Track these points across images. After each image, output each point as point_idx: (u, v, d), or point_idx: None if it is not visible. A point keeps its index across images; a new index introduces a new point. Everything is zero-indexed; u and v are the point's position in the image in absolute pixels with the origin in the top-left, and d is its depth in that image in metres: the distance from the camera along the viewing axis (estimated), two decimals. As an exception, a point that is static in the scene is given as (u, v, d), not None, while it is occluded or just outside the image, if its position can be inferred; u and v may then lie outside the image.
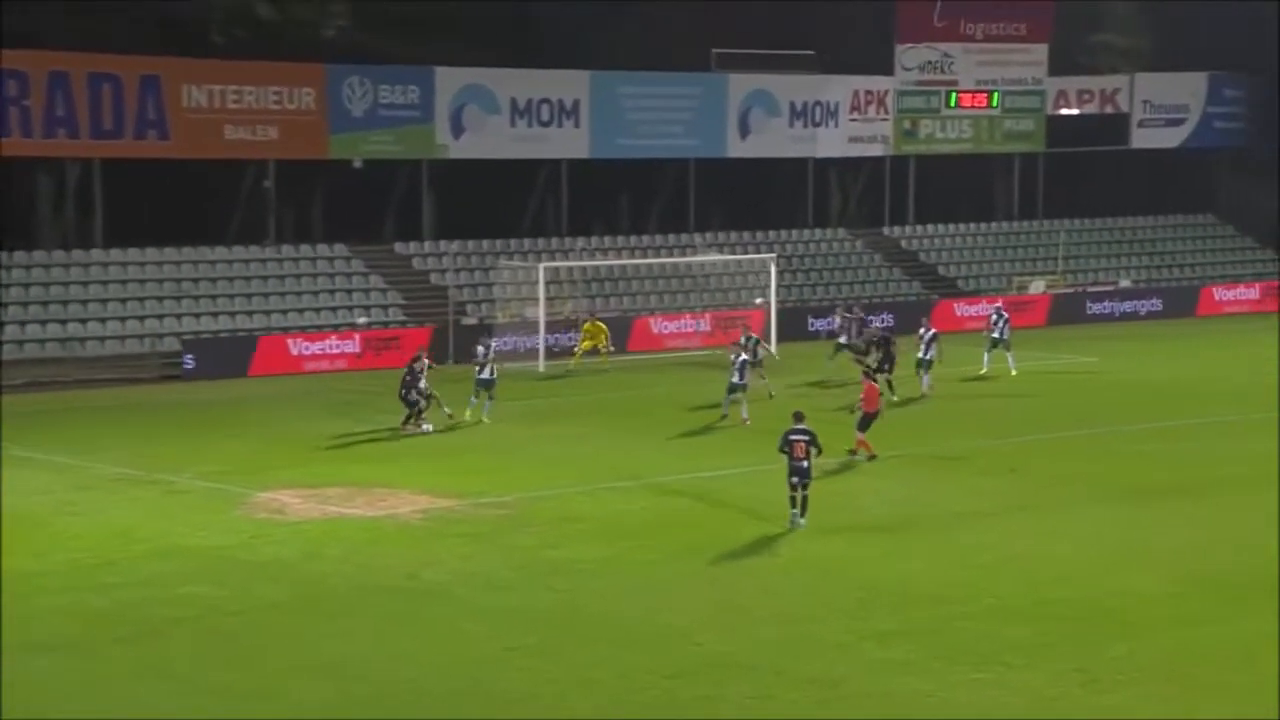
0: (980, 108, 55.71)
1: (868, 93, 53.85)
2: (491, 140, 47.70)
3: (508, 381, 39.24)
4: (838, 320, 39.31)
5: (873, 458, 27.70)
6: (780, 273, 47.04)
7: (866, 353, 35.91)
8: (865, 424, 27.96)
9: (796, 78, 52.41)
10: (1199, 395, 35.21)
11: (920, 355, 35.39)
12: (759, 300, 45.83)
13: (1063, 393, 36.25)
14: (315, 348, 40.90)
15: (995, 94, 55.83)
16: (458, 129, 47.26)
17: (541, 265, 43.23)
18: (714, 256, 48.69)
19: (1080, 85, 57.40)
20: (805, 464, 23.23)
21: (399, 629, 18.58)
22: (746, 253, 49.91)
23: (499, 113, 47.84)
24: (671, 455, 29.11)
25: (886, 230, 54.71)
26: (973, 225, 55.97)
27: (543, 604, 19.57)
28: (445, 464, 28.47)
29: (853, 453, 27.91)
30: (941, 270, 53.52)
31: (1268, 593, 19.51)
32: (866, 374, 29.34)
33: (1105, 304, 51.92)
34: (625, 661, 17.43)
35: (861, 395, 28.33)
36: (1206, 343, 45.61)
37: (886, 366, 34.18)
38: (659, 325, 45.21)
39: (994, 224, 56.73)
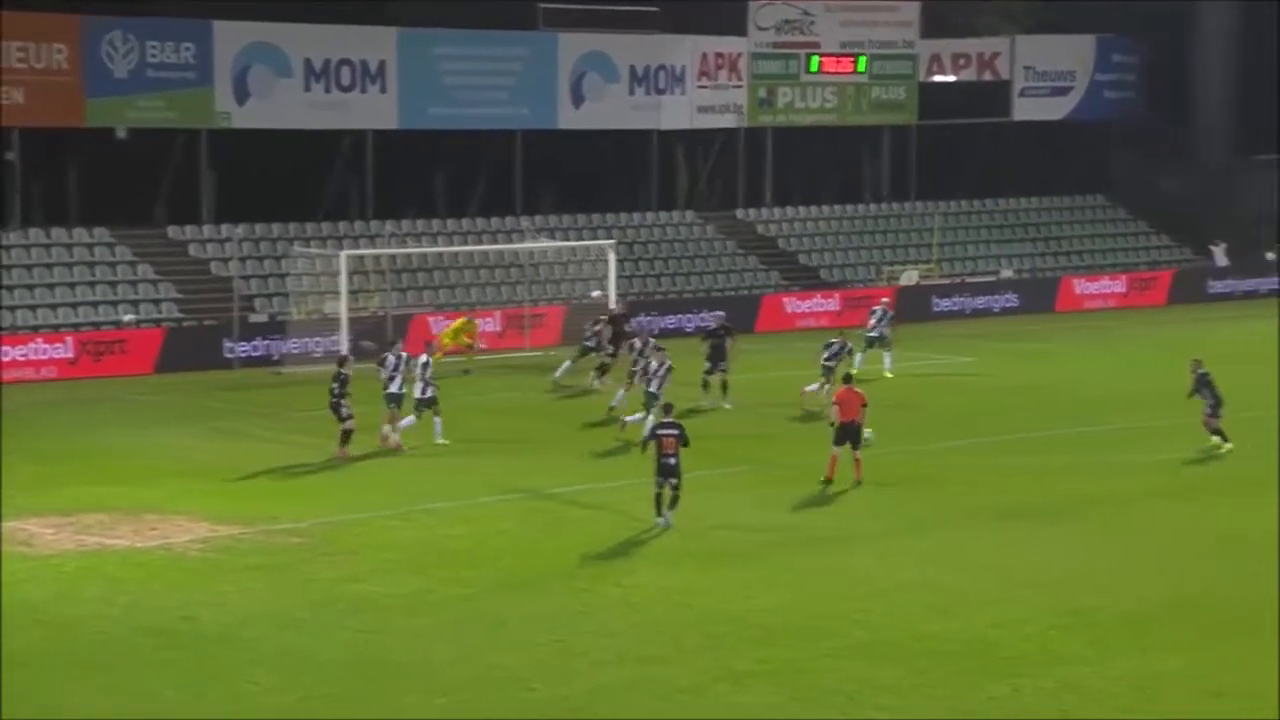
0: (845, 74, 56.42)
1: (718, 55, 54.17)
2: (282, 107, 46.96)
3: (300, 389, 38.73)
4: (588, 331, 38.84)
5: (858, 484, 27.08)
6: (620, 261, 47.05)
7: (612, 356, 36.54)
8: (847, 437, 27.13)
9: (637, 38, 52.52)
10: (1082, 401, 35.99)
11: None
12: (596, 293, 45.75)
13: (941, 398, 36.81)
14: (18, 353, 39.14)
15: (862, 58, 56.58)
16: (242, 94, 46.43)
17: (343, 253, 42.65)
18: (544, 243, 48.55)
19: (956, 49, 58.48)
20: (673, 460, 24.09)
21: (172, 681, 18.10)
22: (581, 239, 49.85)
23: (291, 75, 47.12)
24: (496, 471, 28.89)
25: (740, 213, 55.11)
26: (837, 208, 56.68)
27: (344, 647, 19.23)
28: (228, 485, 27.91)
29: (826, 483, 27.06)
30: (803, 259, 54.08)
31: (1159, 626, 19.96)
32: (844, 378, 28.85)
33: (955, 300, 52.19)
34: (442, 712, 17.18)
35: (835, 401, 27.68)
36: (1086, 341, 46.66)
37: (722, 366, 34.71)
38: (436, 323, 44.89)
39: (861, 206, 57.52)
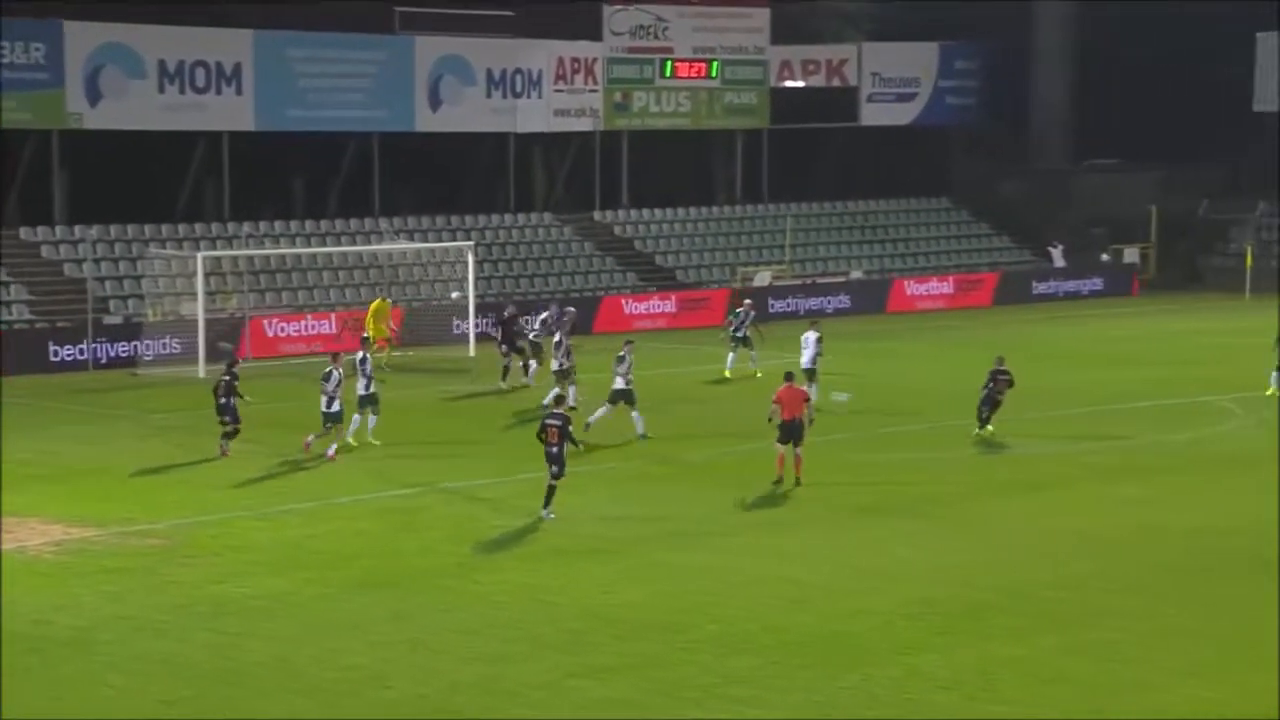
0: (698, 78, 56.69)
1: (574, 60, 54.15)
2: (136, 109, 46.11)
3: (157, 390, 38.05)
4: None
5: (798, 482, 26.75)
6: (479, 263, 46.82)
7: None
8: (790, 435, 26.65)
9: (493, 41, 52.31)
10: (929, 397, 36.48)
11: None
12: (455, 294, 45.54)
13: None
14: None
15: (715, 63, 56.89)
16: (94, 95, 45.52)
17: (200, 254, 41.99)
18: (403, 244, 48.17)
19: (805, 55, 59.02)
20: (556, 450, 24.51)
21: (25, 687, 17.65)
22: (440, 240, 49.55)
23: (144, 77, 46.28)
24: (357, 472, 28.60)
25: (598, 215, 55.14)
26: (693, 210, 56.92)
27: (203, 650, 18.89)
28: (83, 487, 27.36)
29: (778, 483, 26.70)
30: (659, 260, 54.23)
31: (1001, 616, 20.27)
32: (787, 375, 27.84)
33: (791, 301, 52.41)
34: (302, 713, 16.96)
35: (776, 400, 26.93)
36: (919, 341, 47.30)
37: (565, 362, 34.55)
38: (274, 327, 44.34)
39: (715, 208, 57.83)
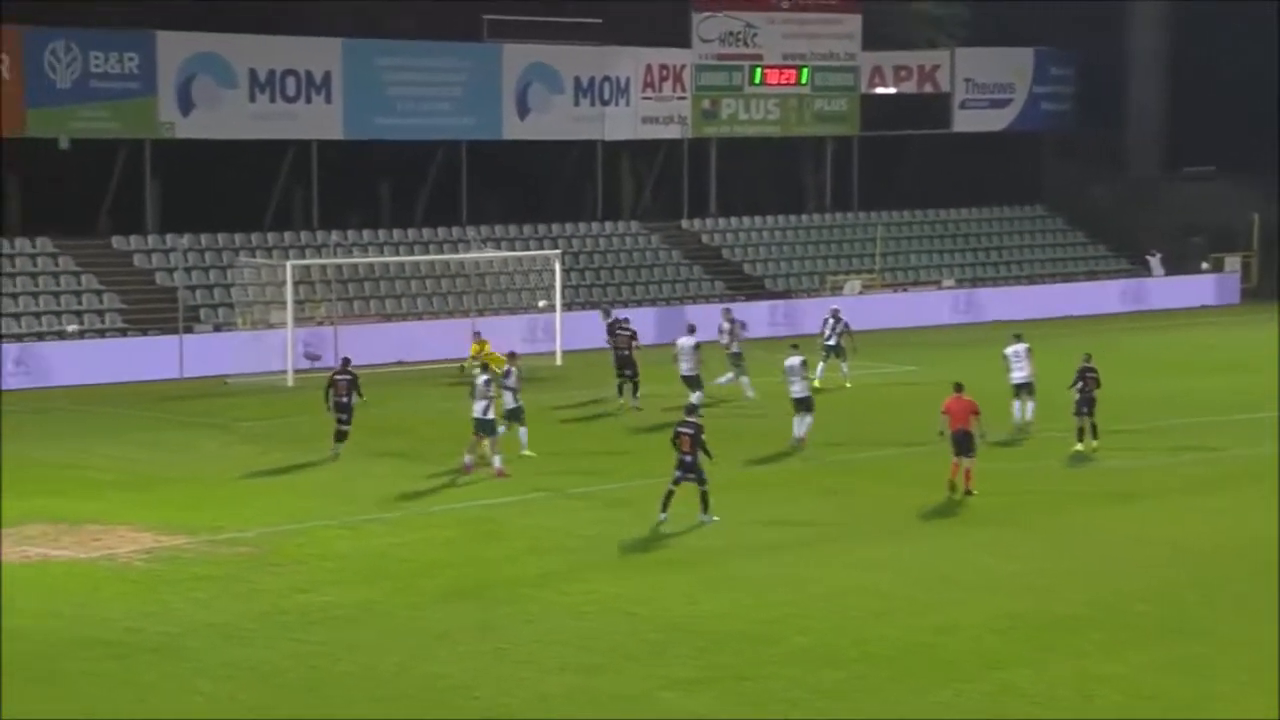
0: (788, 85, 56.66)
1: (662, 67, 54.31)
2: (227, 118, 46.76)
3: (246, 399, 38.58)
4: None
5: (969, 493, 26.88)
6: (566, 271, 47.08)
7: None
8: (962, 446, 26.89)
9: (581, 49, 52.58)
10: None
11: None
12: (542, 303, 45.81)
13: (884, 405, 36.98)
14: None
15: (804, 70, 56.84)
16: (186, 104, 46.22)
17: (289, 263, 42.51)
18: (490, 253, 48.51)
19: (897, 61, 58.83)
20: (689, 458, 24.86)
21: (116, 693, 17.99)
22: (527, 249, 49.84)
23: (235, 86, 46.93)
24: (442, 482, 28.84)
25: (685, 223, 55.23)
26: (781, 218, 56.89)
27: (290, 658, 19.16)
28: (172, 494, 27.79)
29: (968, 493, 26.92)
30: (747, 269, 54.25)
31: (1096, 630, 20.15)
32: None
33: (894, 308, 52.77)
34: (387, 722, 17.19)
35: (944, 410, 27.26)
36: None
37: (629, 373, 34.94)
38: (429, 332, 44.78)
39: (804, 216, 57.74)
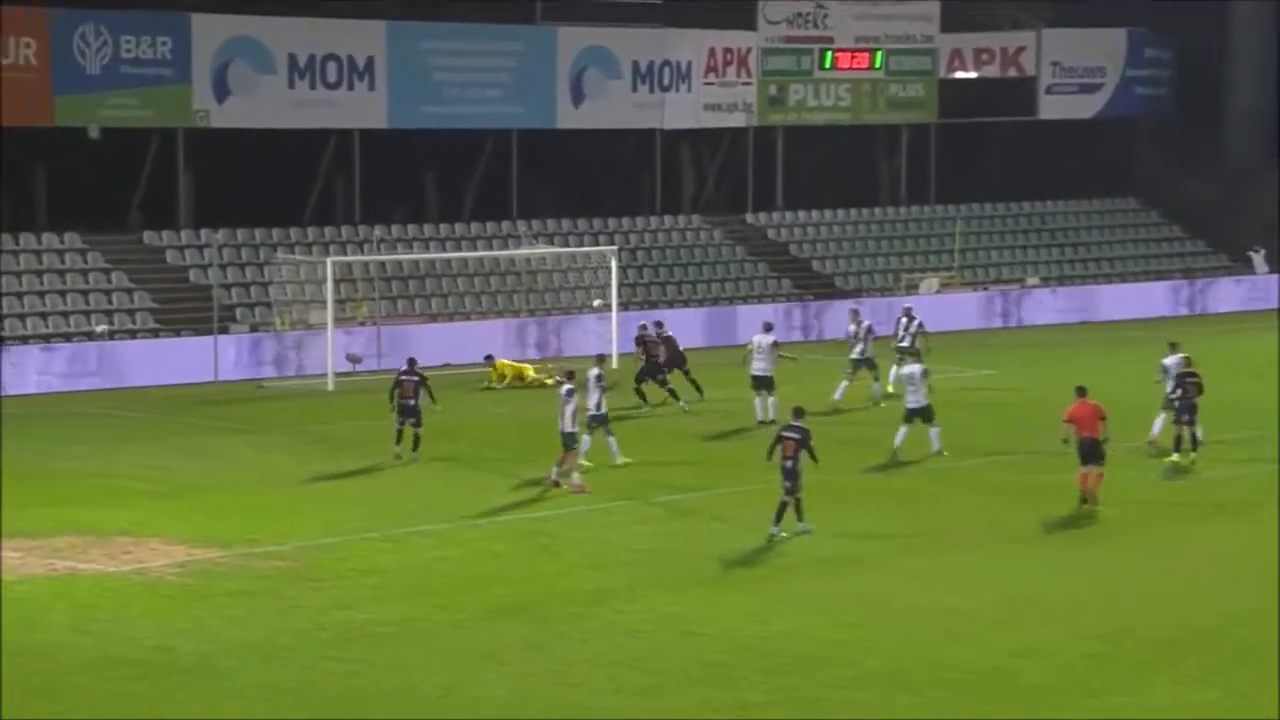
0: (861, 70, 56.54)
1: (726, 51, 54.29)
2: (265, 106, 47.07)
3: (284, 403, 38.82)
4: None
5: (1084, 502, 27.05)
6: (622, 269, 47.13)
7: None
8: (1090, 454, 27.11)
9: (640, 32, 52.64)
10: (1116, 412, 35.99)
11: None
12: (597, 302, 45.90)
13: (961, 412, 36.77)
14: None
15: (878, 53, 56.69)
16: (222, 91, 46.55)
17: (330, 260, 42.75)
18: (542, 249, 48.63)
19: (979, 44, 58.59)
20: (790, 464, 25.19)
21: (146, 715, 18.11)
22: (581, 244, 49.92)
23: (274, 72, 47.23)
24: (490, 492, 28.94)
25: (750, 217, 55.20)
26: (853, 212, 56.75)
27: (329, 678, 19.26)
28: (205, 504, 27.98)
29: (1084, 501, 27.01)
30: (816, 266, 54.15)
31: (1193, 655, 19.99)
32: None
33: (977, 308, 52.49)
34: (432, 747, 17.27)
35: (1069, 418, 27.39)
36: (1098, 352, 46.60)
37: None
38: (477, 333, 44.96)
39: (878, 210, 57.59)
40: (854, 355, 37.73)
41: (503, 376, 40.40)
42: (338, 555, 24.66)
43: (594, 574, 23.63)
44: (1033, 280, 55.71)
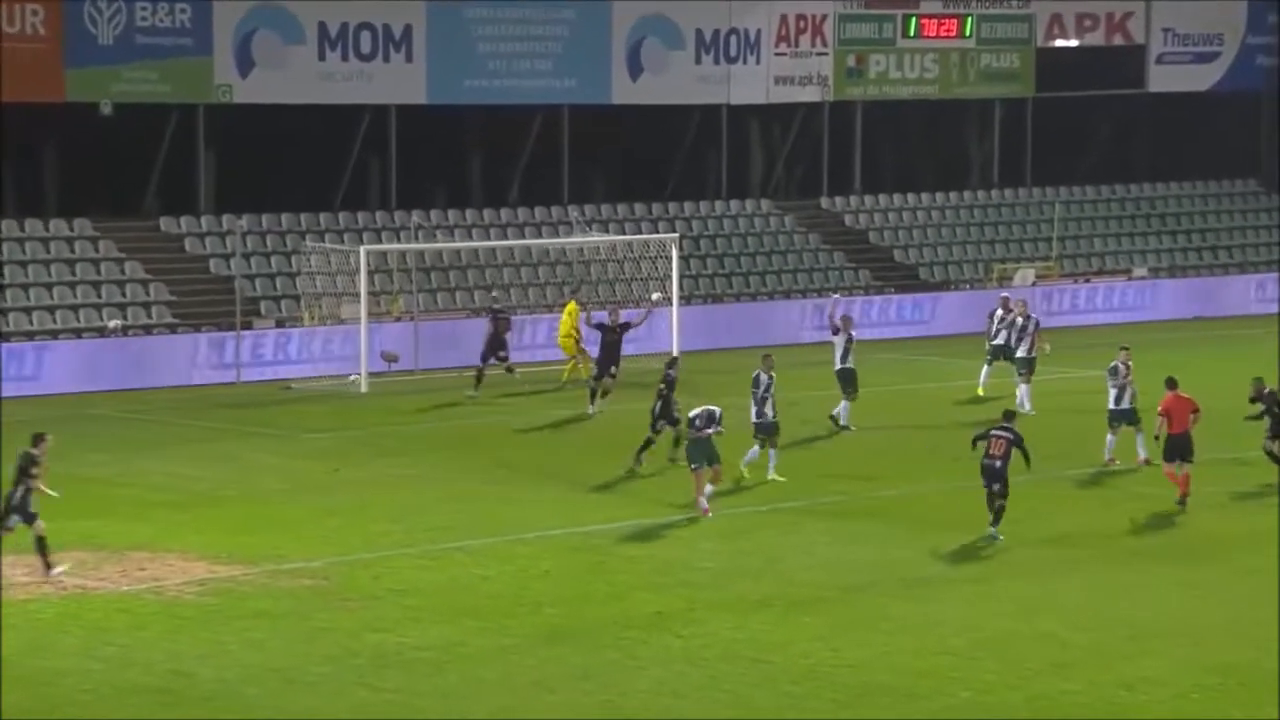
0: (949, 38, 56.42)
1: (799, 18, 54.28)
2: (292, 80, 47.35)
3: (312, 405, 39.08)
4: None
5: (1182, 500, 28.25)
6: (685, 258, 47.19)
7: None
8: (1178, 452, 28.33)
9: (704, -2, 52.73)
10: (1210, 420, 35.78)
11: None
12: (656, 295, 45.90)
13: (1066, 417, 36.64)
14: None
15: (969, 20, 56.56)
16: (245, 64, 46.86)
17: (363, 249, 42.99)
18: (596, 237, 48.77)
19: (1081, 9, 58.34)
20: (998, 464, 26.26)
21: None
22: (639, 232, 50.02)
23: (303, 42, 47.51)
24: (538, 504, 29.07)
25: (825, 202, 55.18)
26: (939, 196, 56.64)
27: (362, 709, 19.41)
28: (227, 517, 28.21)
29: (1182, 500, 28.29)
30: (898, 255, 54.10)
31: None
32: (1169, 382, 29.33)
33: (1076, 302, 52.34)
34: (474, 784, 17.38)
35: (1161, 411, 28.54)
36: (1210, 354, 46.23)
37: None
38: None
39: (967, 194, 57.45)
40: (997, 342, 37.90)
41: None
42: (372, 573, 24.80)
43: (651, 595, 23.69)
44: (1140, 271, 55.44)
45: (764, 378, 30.36)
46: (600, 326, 37.81)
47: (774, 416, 30.23)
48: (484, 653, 21.33)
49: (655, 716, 19.15)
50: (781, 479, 30.09)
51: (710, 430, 27.99)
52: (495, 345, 39.96)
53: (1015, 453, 26.46)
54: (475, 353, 40.63)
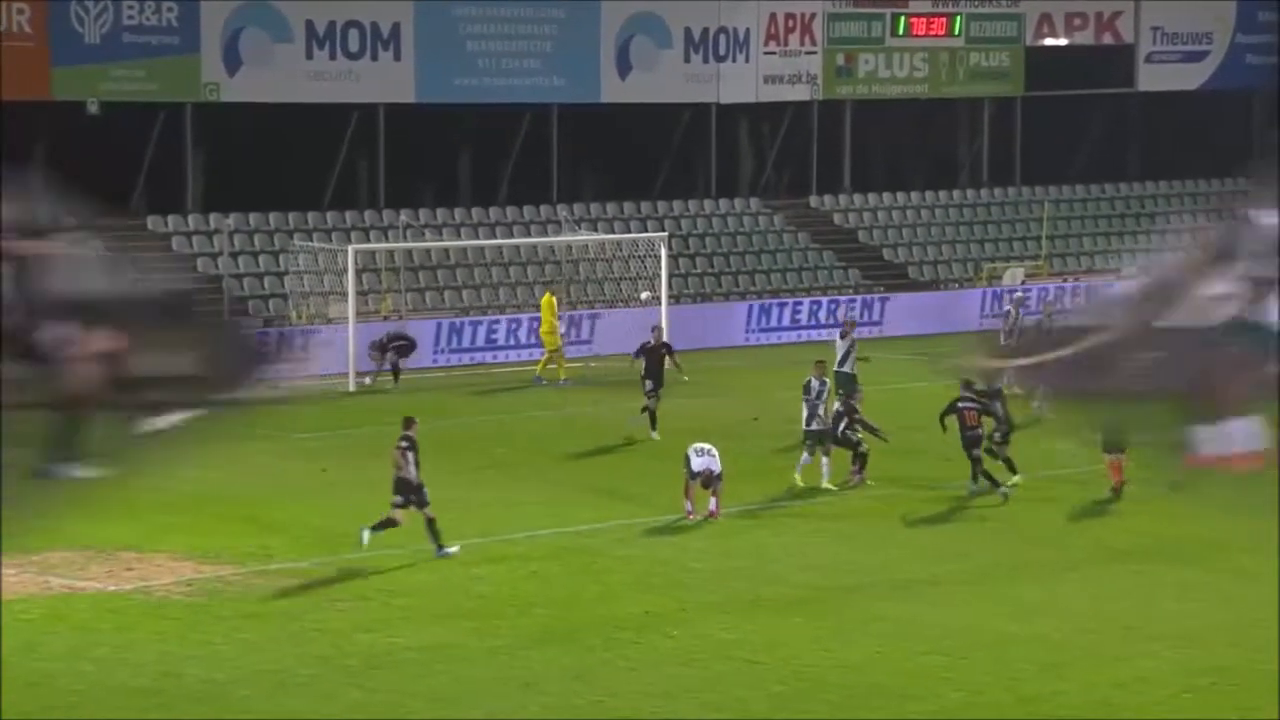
0: (938, 37, 56.44)
1: (788, 17, 54.29)
2: (280, 78, 47.31)
3: (300, 405, 38.96)
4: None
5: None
6: (673, 257, 47.18)
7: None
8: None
9: (694, -4, 52.73)
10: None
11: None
12: (645, 295, 45.95)
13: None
14: None
15: (958, 18, 56.60)
16: (233, 62, 46.82)
17: (351, 248, 42.98)
18: (585, 236, 48.75)
19: (1070, 8, 58.41)
20: (979, 432, 28.58)
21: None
22: (628, 230, 50.01)
23: (291, 41, 47.47)
24: (528, 505, 29.05)
25: (814, 200, 55.20)
26: (928, 195, 56.67)
27: (353, 709, 19.41)
28: (215, 517, 28.17)
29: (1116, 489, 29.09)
30: (888, 254, 54.12)
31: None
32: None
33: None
34: (466, 786, 17.35)
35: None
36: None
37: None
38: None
39: (956, 193, 57.49)
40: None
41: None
42: (362, 573, 24.76)
43: (643, 596, 23.69)
44: (1130, 270, 55.40)
45: (815, 384, 29.97)
46: (643, 348, 35.89)
47: (829, 423, 29.60)
48: (474, 653, 21.33)
49: (646, 717, 19.15)
50: (834, 487, 29.57)
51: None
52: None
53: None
54: (463, 351, 40.58)
